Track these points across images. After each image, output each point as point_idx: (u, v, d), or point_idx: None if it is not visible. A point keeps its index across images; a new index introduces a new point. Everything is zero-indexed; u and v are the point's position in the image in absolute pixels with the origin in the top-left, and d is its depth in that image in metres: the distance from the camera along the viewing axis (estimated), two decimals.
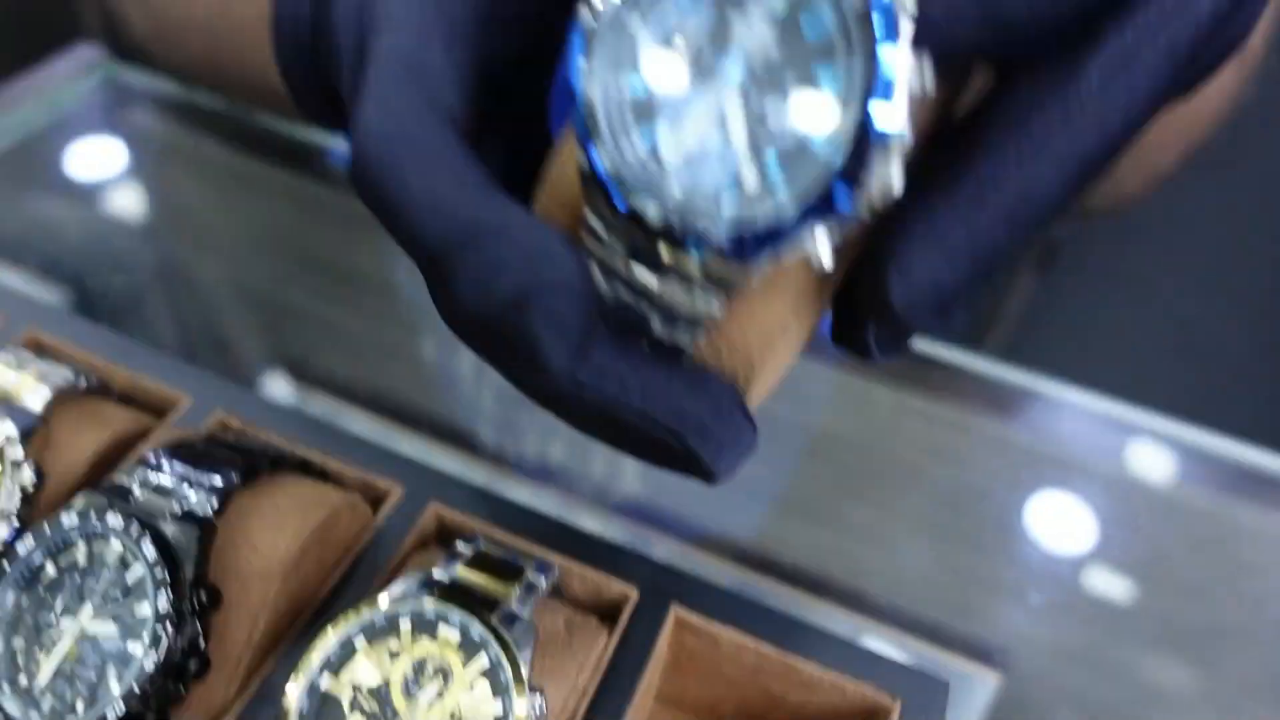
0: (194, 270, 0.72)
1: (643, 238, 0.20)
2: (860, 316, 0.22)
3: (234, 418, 0.39)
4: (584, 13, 0.21)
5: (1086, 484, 0.53)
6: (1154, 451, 0.54)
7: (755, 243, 0.19)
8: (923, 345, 0.59)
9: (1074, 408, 0.56)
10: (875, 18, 0.18)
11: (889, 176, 0.18)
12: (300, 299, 0.68)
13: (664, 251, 0.20)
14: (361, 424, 0.56)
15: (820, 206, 0.19)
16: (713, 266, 0.20)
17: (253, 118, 0.69)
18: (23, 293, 0.43)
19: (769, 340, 0.23)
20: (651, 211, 0.20)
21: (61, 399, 0.36)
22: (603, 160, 0.20)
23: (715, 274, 0.20)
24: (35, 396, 0.35)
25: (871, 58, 0.18)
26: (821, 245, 0.19)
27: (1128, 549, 0.52)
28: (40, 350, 0.41)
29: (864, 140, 0.18)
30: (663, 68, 0.20)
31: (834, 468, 0.58)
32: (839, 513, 0.55)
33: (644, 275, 0.21)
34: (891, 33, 0.18)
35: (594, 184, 0.21)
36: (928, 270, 0.20)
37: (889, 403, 0.59)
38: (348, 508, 0.36)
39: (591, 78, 0.20)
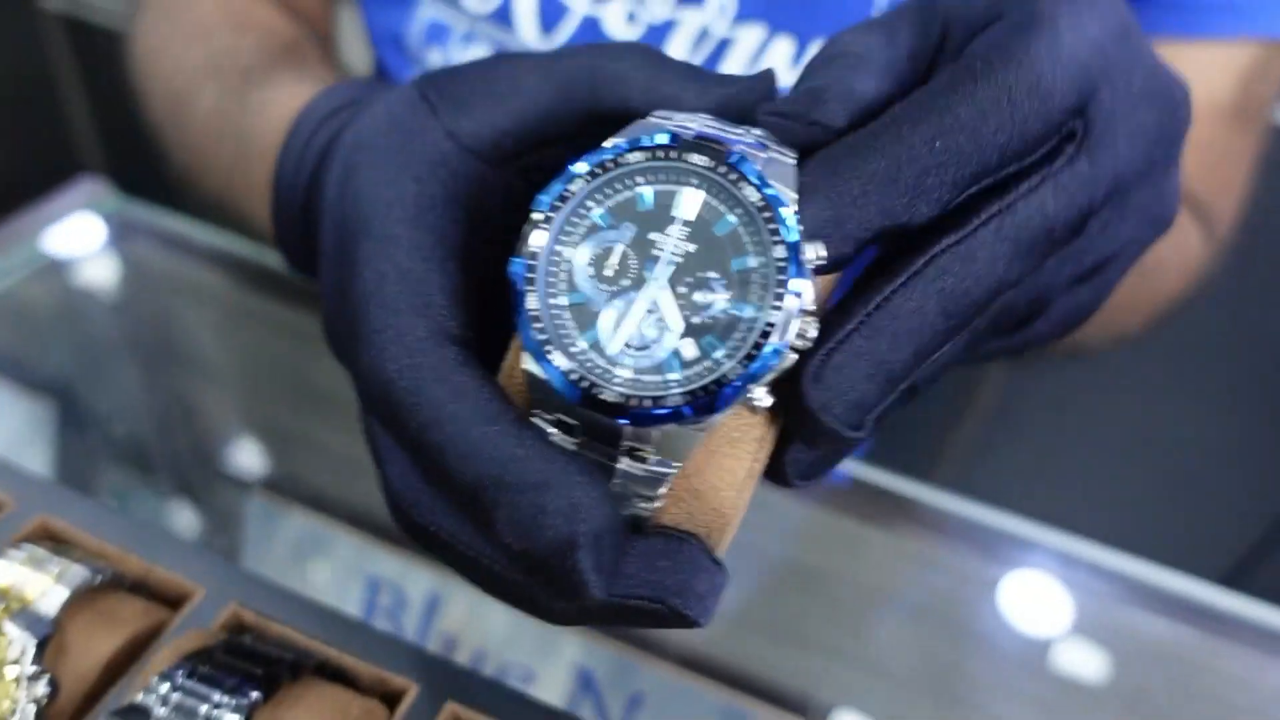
0: (193, 398, 0.72)
1: (597, 423, 0.23)
2: (782, 442, 0.25)
3: (248, 612, 0.39)
4: (522, 244, 0.24)
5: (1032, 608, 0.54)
6: (1101, 585, 0.55)
7: (705, 404, 0.23)
8: (869, 474, 0.60)
9: (1019, 538, 0.57)
10: (774, 213, 0.23)
11: (808, 329, 0.23)
12: (296, 422, 0.68)
13: (624, 433, 0.23)
14: (349, 543, 0.56)
15: (754, 361, 0.23)
16: (669, 435, 0.23)
17: (253, 254, 0.70)
18: (32, 475, 0.43)
19: (732, 489, 0.25)
20: (606, 394, 0.23)
21: (75, 598, 0.36)
22: (554, 362, 0.23)
23: (671, 442, 0.23)
24: (52, 600, 0.35)
25: (778, 242, 0.23)
26: (760, 392, 0.23)
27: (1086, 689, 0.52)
28: (51, 538, 0.40)
29: (782, 305, 0.23)
30: (596, 281, 0.24)
31: (789, 591, 0.59)
32: (791, 628, 0.56)
33: (605, 457, 0.24)
34: (789, 229, 0.23)
35: (544, 388, 0.24)
36: (839, 377, 0.23)
37: (840, 531, 0.61)
38: (365, 715, 0.36)
39: (532, 295, 0.24)
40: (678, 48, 0.52)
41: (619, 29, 0.51)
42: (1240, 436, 1.12)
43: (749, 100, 0.27)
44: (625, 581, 0.23)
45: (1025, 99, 0.23)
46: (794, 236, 0.24)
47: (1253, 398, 1.11)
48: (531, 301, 0.24)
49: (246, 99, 0.46)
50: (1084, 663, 0.52)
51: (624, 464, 0.24)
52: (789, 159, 0.25)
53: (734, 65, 0.52)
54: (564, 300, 0.24)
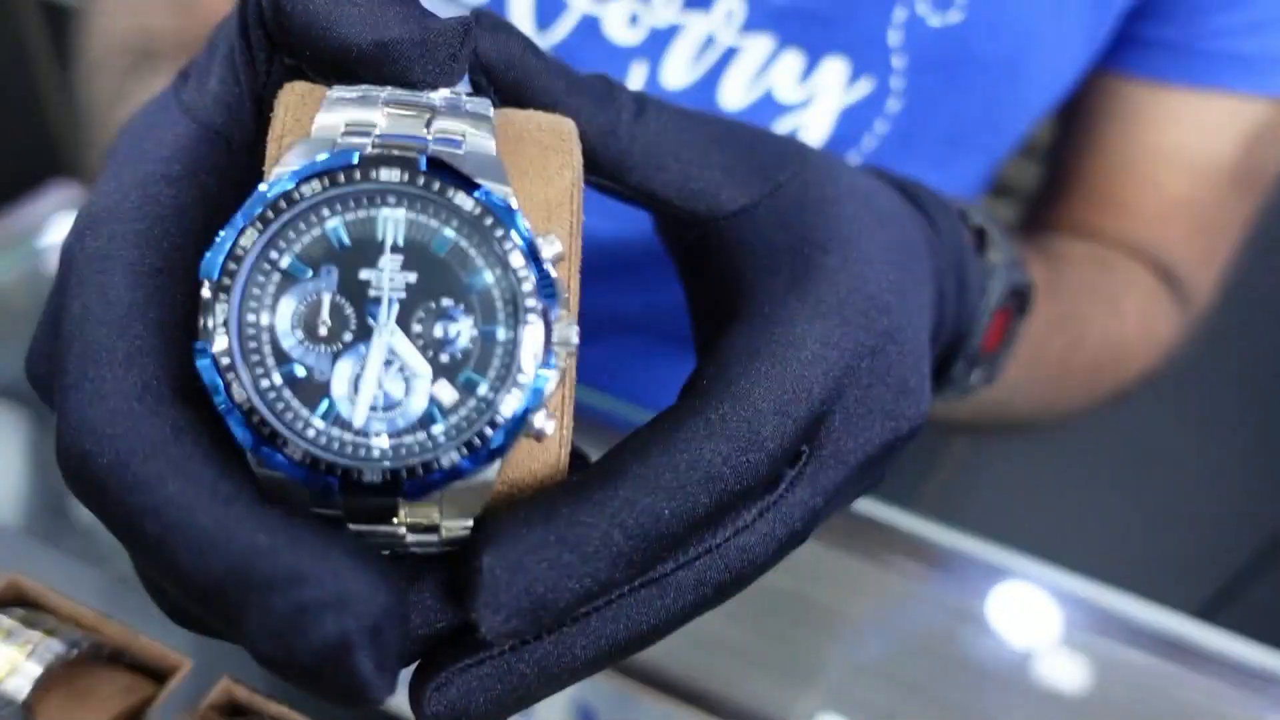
0: None
1: (365, 508, 0.21)
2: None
3: (240, 686, 0.38)
4: (201, 326, 0.20)
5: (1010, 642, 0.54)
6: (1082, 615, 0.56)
7: (486, 451, 0.20)
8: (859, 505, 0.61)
9: (996, 567, 0.58)
10: (496, 216, 0.21)
11: (569, 335, 0.21)
12: None
13: (401, 511, 0.21)
14: None
15: (526, 387, 0.20)
16: (454, 494, 0.21)
17: None
18: (3, 528, 0.42)
19: (550, 473, 0.23)
20: (368, 474, 0.20)
21: (49, 675, 0.35)
22: (290, 455, 0.20)
23: (459, 500, 0.21)
24: (23, 678, 0.34)
25: (512, 249, 0.21)
26: (543, 418, 0.21)
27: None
28: (21, 600, 0.39)
29: (538, 316, 0.21)
30: (310, 344, 0.21)
31: (771, 617, 0.59)
32: (789, 660, 0.56)
33: (387, 539, 0.21)
34: (519, 230, 0.21)
35: (286, 488, 0.20)
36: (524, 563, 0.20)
37: (839, 564, 0.61)
38: None
39: (237, 384, 0.20)
40: (681, 55, 0.49)
41: (619, 31, 0.48)
42: (1224, 463, 1.12)
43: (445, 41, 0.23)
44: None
45: (740, 453, 0.22)
46: (526, 236, 0.21)
47: (1239, 425, 1.12)
48: (236, 393, 0.20)
49: (120, 100, 0.46)
50: (1066, 688, 0.53)
51: (412, 539, 0.21)
52: (489, 143, 0.22)
53: (740, 76, 0.49)
54: (277, 378, 0.20)
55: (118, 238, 0.22)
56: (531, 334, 0.21)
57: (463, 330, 0.21)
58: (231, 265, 0.21)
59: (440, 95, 0.23)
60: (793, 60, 0.48)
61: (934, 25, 0.46)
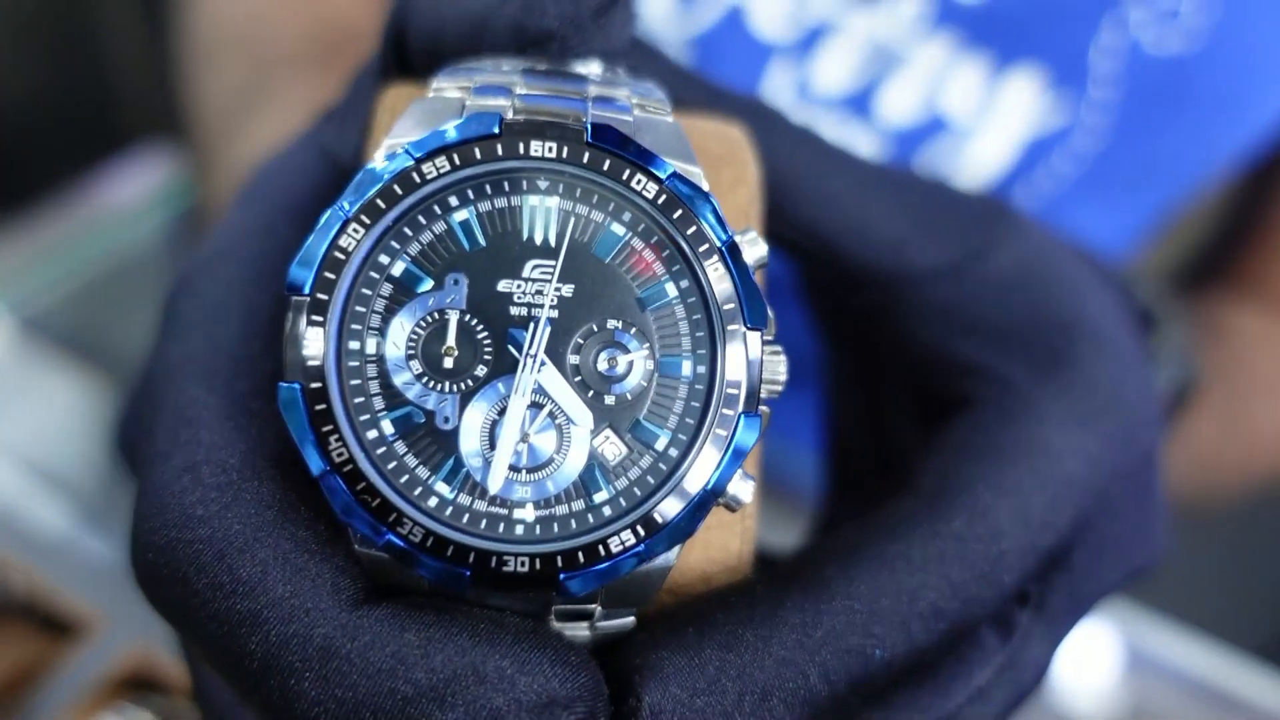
0: None
1: (505, 607, 0.16)
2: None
3: (153, 653, 0.33)
4: (290, 357, 0.15)
5: None
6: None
7: (666, 526, 0.15)
8: None
9: None
10: (686, 205, 0.16)
11: (778, 371, 0.16)
12: None
13: (554, 604, 0.16)
14: None
15: (724, 442, 0.16)
16: (620, 585, 0.16)
17: None
18: None
19: (724, 573, 0.18)
20: (509, 563, 0.15)
21: None
22: (406, 535, 0.15)
23: (626, 591, 0.16)
24: None
25: (707, 249, 0.16)
26: (741, 484, 0.16)
27: None
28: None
29: (737, 345, 0.16)
30: (430, 378, 0.16)
31: None
32: None
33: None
34: (713, 224, 0.16)
35: (395, 572, 0.15)
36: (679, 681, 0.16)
37: None
38: None
39: (336, 438, 0.15)
40: (836, 57, 0.42)
41: (769, 25, 0.41)
42: None
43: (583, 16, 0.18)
44: None
45: (974, 584, 0.18)
46: (723, 234, 0.16)
47: None
48: (334, 450, 0.15)
49: (245, 113, 0.40)
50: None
51: (556, 627, 0.16)
52: (665, 113, 0.16)
53: (906, 86, 0.42)
54: (388, 426, 0.15)
55: (235, 283, 0.18)
56: (734, 366, 0.15)
57: (635, 363, 0.16)
58: (328, 275, 0.15)
59: (592, 67, 0.17)
60: (975, 68, 0.42)
61: (1155, 54, 0.40)
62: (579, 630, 0.16)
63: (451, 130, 0.15)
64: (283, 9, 0.45)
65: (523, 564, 0.15)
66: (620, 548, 0.15)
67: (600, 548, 0.15)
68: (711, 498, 0.15)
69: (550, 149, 0.15)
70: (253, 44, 0.44)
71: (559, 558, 0.15)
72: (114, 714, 0.30)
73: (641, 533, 0.15)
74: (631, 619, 0.16)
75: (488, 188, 0.15)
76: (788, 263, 0.22)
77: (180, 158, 0.64)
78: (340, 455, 0.15)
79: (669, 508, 0.15)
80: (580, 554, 0.15)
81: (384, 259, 0.15)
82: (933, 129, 0.43)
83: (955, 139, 0.43)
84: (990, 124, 0.42)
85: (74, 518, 0.37)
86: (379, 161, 0.15)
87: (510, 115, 0.15)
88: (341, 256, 0.15)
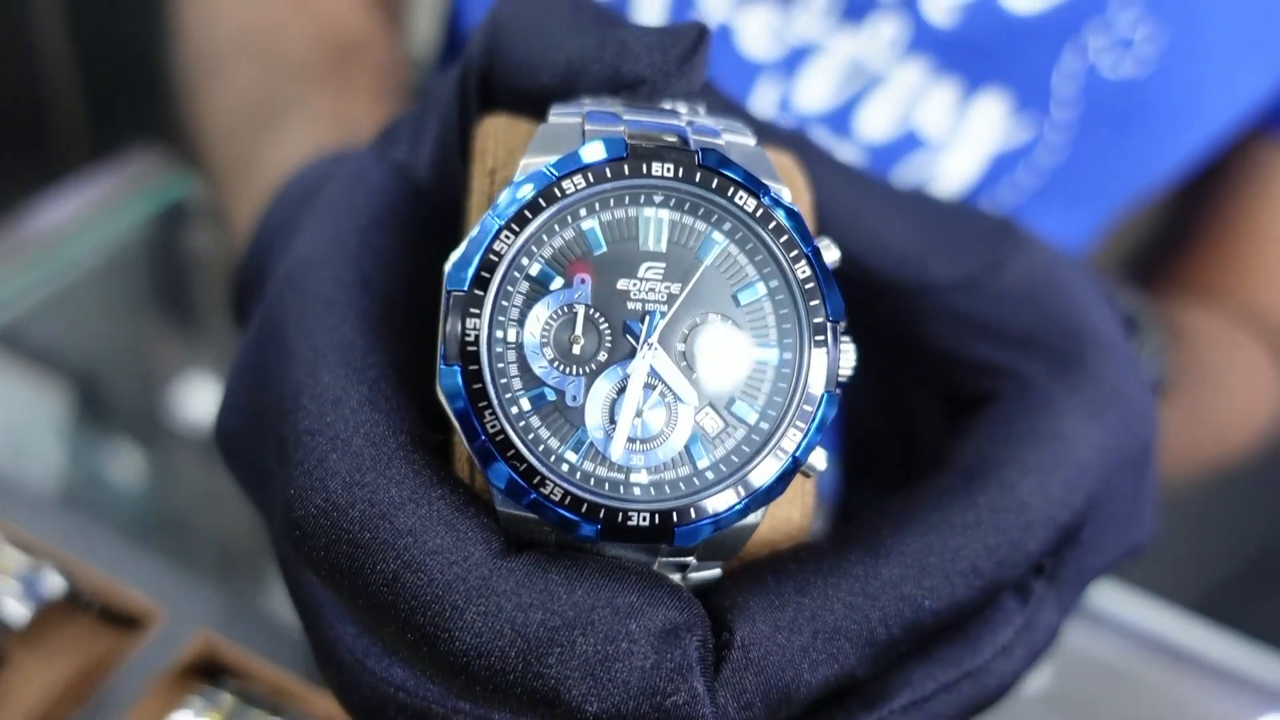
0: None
1: (626, 549, 0.18)
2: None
3: (218, 639, 0.35)
4: (448, 343, 0.18)
5: None
6: None
7: (759, 493, 0.18)
8: None
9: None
10: (778, 219, 0.19)
11: (851, 359, 0.19)
12: None
13: (662, 552, 0.19)
14: None
15: (808, 419, 0.18)
16: (715, 540, 0.19)
17: None
18: None
19: (790, 540, 0.21)
20: (633, 518, 0.18)
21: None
22: (548, 494, 0.18)
23: (720, 543, 0.19)
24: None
25: (797, 255, 0.19)
26: (820, 456, 0.19)
27: None
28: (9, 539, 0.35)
29: (821, 337, 0.19)
30: (561, 363, 0.18)
31: None
32: None
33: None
34: (800, 235, 0.19)
35: (533, 525, 0.18)
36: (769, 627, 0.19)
37: None
38: None
39: (490, 412, 0.18)
40: (820, 76, 0.45)
41: (755, 45, 0.45)
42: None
43: (669, 60, 0.20)
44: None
45: (1006, 548, 0.20)
46: (808, 243, 0.18)
47: None
48: (490, 423, 0.17)
49: (265, 124, 0.41)
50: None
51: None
52: (749, 139, 0.19)
53: (884, 105, 0.45)
54: (526, 403, 0.18)
55: (344, 283, 0.20)
56: (819, 357, 0.18)
57: (740, 351, 0.18)
58: (484, 274, 0.18)
59: (678, 106, 0.20)
60: (947, 90, 0.46)
61: (1111, 78, 0.44)
62: (674, 579, 0.19)
63: (587, 154, 0.18)
64: (290, 20, 0.46)
65: (644, 519, 0.18)
66: (724, 505, 0.18)
67: (707, 505, 0.18)
68: (797, 464, 0.18)
69: (668, 169, 0.18)
70: (263, 55, 0.45)
71: (674, 514, 0.18)
72: (197, 697, 0.32)
73: (741, 492, 0.18)
74: (718, 570, 0.19)
75: (612, 201, 0.18)
76: None
77: (147, 163, 0.63)
78: (494, 426, 0.17)
79: (762, 472, 0.18)
80: (691, 510, 0.18)
81: (525, 260, 0.18)
82: (908, 145, 0.46)
83: (928, 154, 0.46)
84: (961, 141, 0.46)
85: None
86: (520, 177, 0.18)
87: (631, 140, 0.18)
88: (495, 259, 0.18)
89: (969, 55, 0.44)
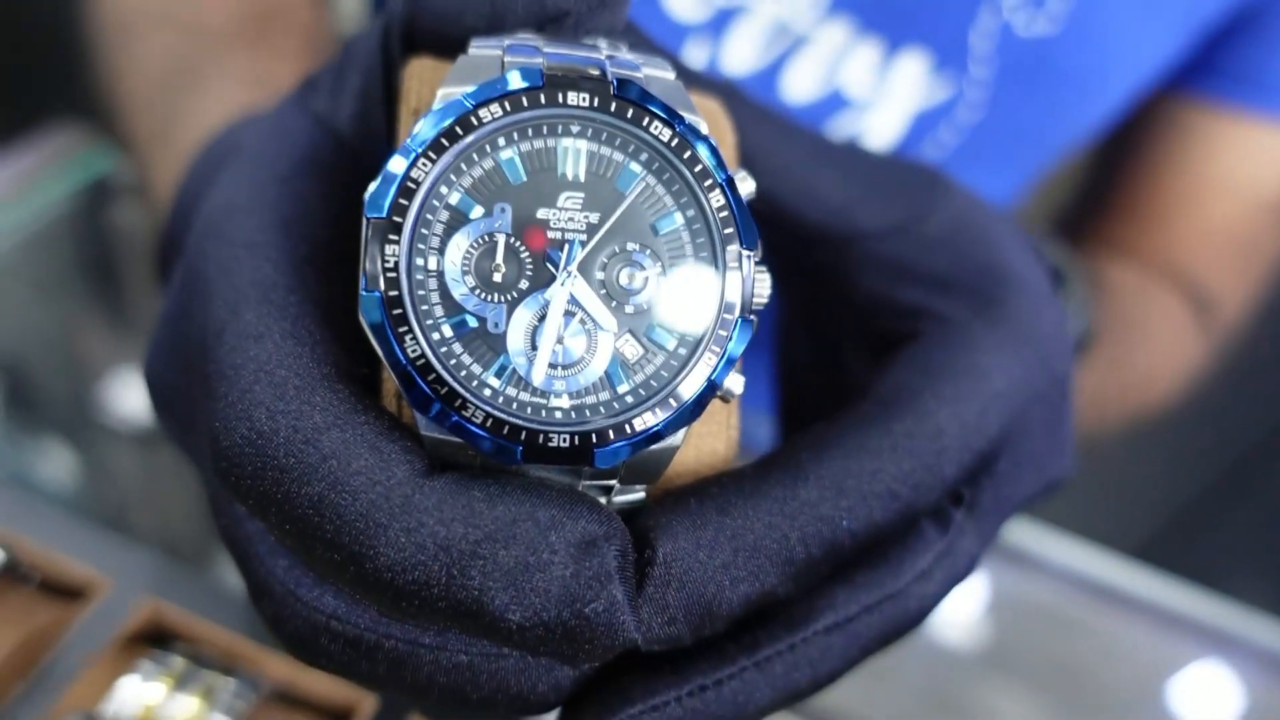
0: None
1: (548, 469, 0.19)
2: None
3: (167, 606, 0.35)
4: (368, 270, 0.18)
5: None
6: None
7: (680, 414, 0.19)
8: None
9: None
10: (693, 148, 0.19)
11: (765, 288, 0.20)
12: None
13: (584, 474, 0.19)
14: None
15: (724, 341, 0.19)
16: (637, 462, 0.19)
17: None
18: None
19: (715, 468, 0.22)
20: (554, 439, 0.18)
21: None
22: (470, 417, 0.18)
23: (641, 465, 0.19)
24: None
25: (712, 185, 0.19)
26: (736, 379, 0.19)
27: None
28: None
29: (735, 262, 0.19)
30: (483, 290, 0.19)
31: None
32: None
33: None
34: (716, 165, 0.19)
35: (456, 448, 0.19)
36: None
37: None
38: None
39: (410, 338, 0.18)
40: (745, 38, 0.46)
41: (681, 6, 0.45)
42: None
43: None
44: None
45: (921, 473, 0.21)
46: (722, 173, 0.19)
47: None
48: (410, 348, 0.18)
49: (184, 90, 0.40)
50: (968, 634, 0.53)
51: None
52: (668, 73, 0.20)
53: (808, 66, 0.46)
54: (448, 329, 0.18)
55: (265, 227, 0.20)
56: (733, 284, 0.19)
57: (650, 278, 0.19)
58: (402, 201, 0.18)
59: (599, 42, 0.21)
60: (869, 50, 0.47)
61: (1024, 36, 0.45)
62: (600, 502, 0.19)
63: (502, 82, 0.18)
64: None
65: (564, 440, 0.18)
66: (643, 426, 0.18)
67: (626, 426, 0.18)
68: (714, 387, 0.19)
69: (584, 99, 0.19)
70: (179, 22, 0.45)
71: (593, 435, 0.18)
72: (147, 661, 0.32)
73: (659, 414, 0.19)
74: (642, 494, 0.20)
75: (529, 130, 0.19)
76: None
77: (67, 139, 0.62)
78: (415, 351, 0.18)
79: (680, 395, 0.19)
80: (610, 431, 0.18)
81: (444, 189, 0.18)
82: (833, 104, 0.47)
83: (853, 113, 0.48)
84: (884, 100, 0.47)
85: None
86: (438, 106, 0.18)
87: (545, 69, 0.19)
88: (413, 186, 0.18)
89: (889, 15, 0.45)
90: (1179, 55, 0.49)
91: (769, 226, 0.24)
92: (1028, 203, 0.60)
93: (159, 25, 0.45)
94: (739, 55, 0.46)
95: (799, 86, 0.47)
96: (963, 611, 0.52)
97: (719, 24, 0.46)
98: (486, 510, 0.17)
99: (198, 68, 0.41)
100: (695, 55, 0.46)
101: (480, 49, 0.19)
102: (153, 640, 0.34)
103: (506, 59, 0.19)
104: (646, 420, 0.18)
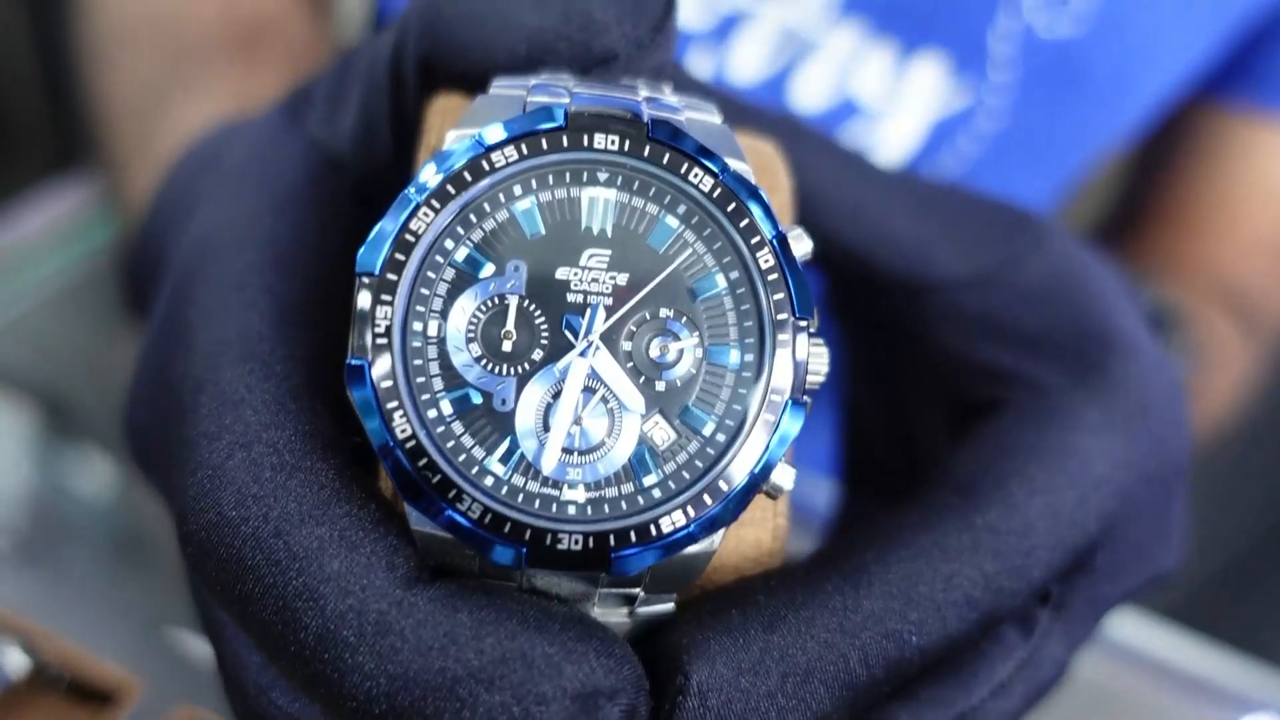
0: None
1: (554, 586, 0.16)
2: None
3: (199, 712, 0.32)
4: (357, 336, 0.16)
5: None
6: None
7: (711, 516, 0.16)
8: None
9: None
10: (739, 200, 0.17)
11: (823, 364, 0.17)
12: None
13: (601, 583, 0.16)
14: None
15: (770, 429, 0.16)
16: (664, 567, 0.16)
17: None
18: None
19: (758, 566, 0.19)
20: (563, 540, 0.15)
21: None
22: (465, 511, 0.16)
23: (669, 573, 0.17)
24: None
25: (757, 242, 0.17)
26: (781, 470, 0.16)
27: None
28: None
29: (784, 335, 0.17)
30: (489, 360, 0.16)
31: None
32: None
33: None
34: (764, 219, 0.17)
35: (451, 546, 0.16)
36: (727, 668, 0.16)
37: None
38: None
39: (400, 414, 0.16)
40: (752, 45, 0.43)
41: (685, 14, 0.43)
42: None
43: (629, 36, 0.18)
44: None
45: (1004, 576, 0.18)
46: (773, 229, 0.16)
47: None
48: (400, 426, 0.15)
49: (163, 104, 0.40)
50: None
51: (598, 613, 0.17)
52: (714, 116, 0.18)
53: (819, 73, 0.44)
54: (447, 406, 0.16)
55: (255, 268, 0.18)
56: (783, 361, 0.16)
57: (685, 350, 0.16)
58: (398, 256, 0.16)
59: (639, 84, 0.18)
60: (882, 55, 0.45)
61: (1047, 38, 0.43)
62: (619, 615, 0.17)
63: (519, 121, 0.16)
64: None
65: (576, 541, 0.15)
66: (671, 528, 0.16)
67: (651, 528, 0.15)
68: (757, 482, 0.16)
69: (613, 142, 0.16)
70: (163, 36, 0.44)
71: (611, 536, 0.15)
72: None
73: (691, 513, 0.16)
74: (671, 604, 0.17)
75: (550, 178, 0.16)
76: (814, 274, 0.23)
77: (92, 187, 0.63)
78: (404, 431, 0.15)
79: (717, 490, 0.16)
80: (632, 533, 0.15)
81: (449, 244, 0.16)
82: (845, 112, 0.45)
83: (866, 122, 0.45)
84: (899, 108, 0.45)
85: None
86: (448, 148, 0.16)
87: (571, 109, 0.16)
88: (411, 239, 0.16)
89: (903, 17, 0.43)
90: (1210, 57, 0.47)
91: (835, 272, 0.22)
92: (1056, 215, 0.57)
93: (141, 40, 0.44)
94: (744, 64, 0.44)
95: (808, 95, 0.45)
96: None
97: (723, 31, 0.44)
98: (472, 640, 0.15)
99: (178, 83, 0.40)
100: (699, 66, 0.44)
101: (502, 88, 0.17)
102: None
103: (530, 99, 0.17)
104: (676, 520, 0.16)
